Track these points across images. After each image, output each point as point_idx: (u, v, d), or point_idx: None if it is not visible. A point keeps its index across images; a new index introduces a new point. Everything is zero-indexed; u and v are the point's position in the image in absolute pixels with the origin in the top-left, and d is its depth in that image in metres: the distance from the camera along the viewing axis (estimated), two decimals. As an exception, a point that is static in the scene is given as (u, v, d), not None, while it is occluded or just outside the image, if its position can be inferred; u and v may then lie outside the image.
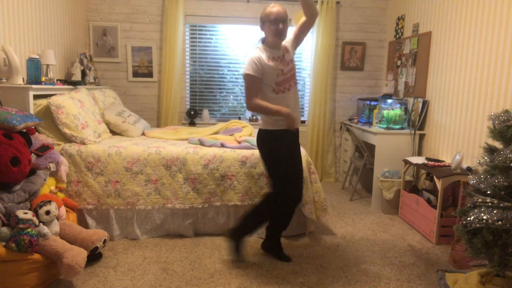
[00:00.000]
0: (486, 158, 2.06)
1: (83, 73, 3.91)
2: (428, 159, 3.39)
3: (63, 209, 2.48)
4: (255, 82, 2.33)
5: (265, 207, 2.53)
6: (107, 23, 4.48)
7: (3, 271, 1.96)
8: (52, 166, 2.51)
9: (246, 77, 2.34)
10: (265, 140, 2.45)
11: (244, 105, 4.87)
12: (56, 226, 2.29)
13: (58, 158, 2.58)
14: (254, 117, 4.75)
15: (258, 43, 2.45)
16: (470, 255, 2.04)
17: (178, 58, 4.44)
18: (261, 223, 2.58)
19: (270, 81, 2.35)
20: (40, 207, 2.20)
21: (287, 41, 2.47)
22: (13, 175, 2.13)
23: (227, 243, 2.83)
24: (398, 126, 3.82)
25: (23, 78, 2.89)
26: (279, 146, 2.41)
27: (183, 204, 2.91)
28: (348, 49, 4.77)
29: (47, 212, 2.20)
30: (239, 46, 4.72)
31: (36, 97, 2.98)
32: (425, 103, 3.74)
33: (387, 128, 3.80)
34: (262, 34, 2.45)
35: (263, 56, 2.34)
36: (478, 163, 2.10)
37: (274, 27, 2.31)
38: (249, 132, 3.52)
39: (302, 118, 4.93)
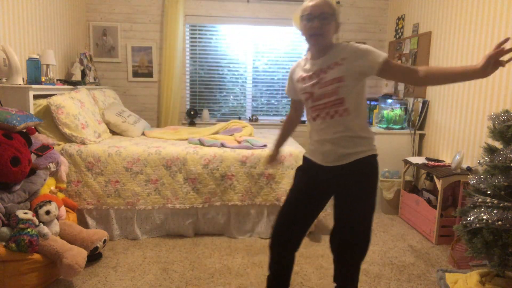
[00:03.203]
0: (486, 158, 2.06)
1: (83, 73, 3.91)
2: (428, 159, 3.39)
3: (63, 209, 2.48)
4: (292, 102, 2.00)
5: None
6: (107, 23, 4.48)
7: (3, 271, 1.96)
8: (52, 166, 2.51)
9: None
10: None
11: (244, 105, 4.87)
12: (56, 226, 2.29)
13: (58, 158, 2.58)
14: (254, 118, 4.75)
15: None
16: (470, 255, 2.04)
17: (178, 58, 4.44)
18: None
19: (305, 105, 1.83)
20: (40, 207, 2.20)
21: (355, 52, 1.64)
22: (13, 175, 2.13)
23: None
24: (398, 126, 3.82)
25: (23, 78, 2.89)
26: (295, 173, 1.91)
27: (183, 204, 2.91)
28: (348, 49, 4.77)
29: (47, 212, 2.20)
30: (239, 46, 4.72)
31: (36, 97, 2.98)
32: (425, 103, 3.74)
33: (387, 128, 3.80)
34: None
35: (298, 70, 1.80)
36: (478, 163, 2.10)
37: (305, 24, 1.66)
38: (249, 132, 3.53)
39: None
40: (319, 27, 1.63)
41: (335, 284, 1.93)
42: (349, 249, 1.77)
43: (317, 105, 1.71)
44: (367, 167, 1.73)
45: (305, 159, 1.88)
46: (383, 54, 1.63)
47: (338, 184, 1.74)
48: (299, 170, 1.89)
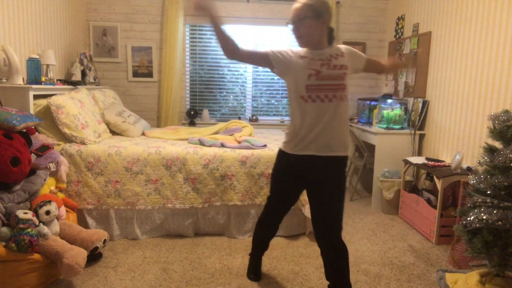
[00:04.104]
0: (486, 158, 2.07)
1: (83, 73, 3.91)
2: (428, 159, 3.39)
3: (63, 209, 2.48)
4: (264, 57, 1.87)
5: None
6: (107, 23, 4.48)
7: (3, 271, 1.96)
8: (52, 166, 2.51)
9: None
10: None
11: (244, 105, 4.87)
12: (56, 226, 2.29)
13: (58, 158, 2.58)
14: (254, 118, 4.75)
15: None
16: (470, 255, 2.04)
17: (178, 58, 4.44)
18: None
19: (298, 82, 1.81)
20: (40, 207, 2.20)
21: (350, 51, 1.94)
22: (13, 175, 2.13)
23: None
24: (398, 126, 3.82)
25: (23, 78, 2.89)
26: (276, 166, 2.03)
27: (183, 204, 2.91)
28: (348, 49, 4.77)
29: (47, 212, 2.20)
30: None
31: (36, 97, 2.98)
32: (425, 103, 3.74)
33: (387, 128, 3.80)
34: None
35: (297, 52, 1.87)
36: (478, 163, 2.10)
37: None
38: (249, 132, 3.52)
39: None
40: (296, 30, 1.84)
41: (328, 282, 2.01)
42: (337, 234, 1.87)
43: (321, 84, 1.79)
44: (346, 163, 1.93)
45: (286, 156, 1.93)
46: (363, 54, 2.01)
47: (324, 174, 1.88)
48: (283, 173, 1.98)
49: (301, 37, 1.84)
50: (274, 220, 2.17)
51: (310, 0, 1.78)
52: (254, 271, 2.38)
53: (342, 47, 1.93)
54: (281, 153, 1.98)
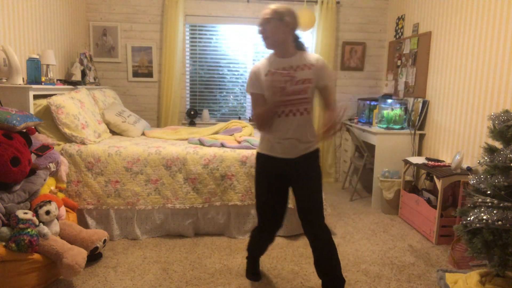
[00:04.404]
0: (486, 158, 2.07)
1: (83, 73, 3.91)
2: (428, 159, 3.39)
3: (63, 209, 2.48)
4: (256, 98, 1.99)
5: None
6: (107, 23, 4.48)
7: (3, 271, 1.96)
8: (52, 166, 2.51)
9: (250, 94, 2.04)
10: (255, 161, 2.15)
11: (244, 105, 4.87)
12: (56, 226, 2.29)
13: (58, 158, 2.58)
14: (254, 117, 4.75)
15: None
16: (470, 255, 2.04)
17: (178, 58, 4.44)
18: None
19: (268, 99, 1.91)
20: (40, 207, 2.20)
21: (321, 66, 1.95)
22: (13, 175, 2.13)
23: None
24: (398, 126, 3.82)
25: (23, 78, 2.89)
26: (257, 171, 2.11)
27: (183, 204, 2.91)
28: (348, 49, 4.77)
29: (47, 212, 2.20)
30: (239, 46, 4.72)
31: (36, 97, 2.98)
32: (425, 103, 3.74)
33: (387, 128, 3.80)
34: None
35: (262, 68, 1.97)
36: (478, 163, 2.10)
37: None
38: (249, 132, 3.52)
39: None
40: (263, 32, 1.95)
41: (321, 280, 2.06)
42: (318, 221, 1.98)
43: (286, 100, 1.90)
44: (318, 155, 2.06)
45: (264, 157, 2.04)
46: (332, 77, 1.97)
47: (298, 171, 2.00)
48: (262, 173, 2.08)
49: (267, 38, 1.95)
50: (268, 232, 2.19)
51: (276, 6, 1.95)
52: (253, 271, 2.38)
53: (314, 58, 1.96)
54: (257, 156, 2.11)
